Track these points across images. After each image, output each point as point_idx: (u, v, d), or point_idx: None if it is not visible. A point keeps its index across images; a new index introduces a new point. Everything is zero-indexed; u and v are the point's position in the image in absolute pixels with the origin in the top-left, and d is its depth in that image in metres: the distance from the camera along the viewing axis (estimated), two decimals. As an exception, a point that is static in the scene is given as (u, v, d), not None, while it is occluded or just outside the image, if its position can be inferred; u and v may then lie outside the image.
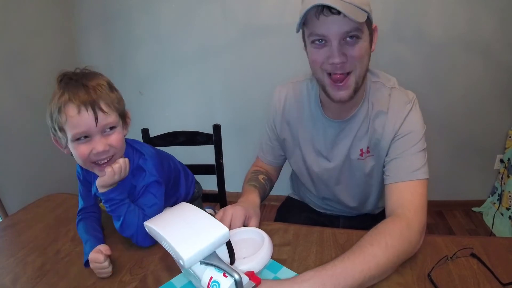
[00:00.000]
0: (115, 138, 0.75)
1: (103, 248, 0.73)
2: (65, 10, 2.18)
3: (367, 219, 1.06)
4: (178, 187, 1.02)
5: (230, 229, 0.70)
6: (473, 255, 0.71)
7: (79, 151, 0.72)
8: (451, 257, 0.70)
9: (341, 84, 0.77)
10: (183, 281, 0.69)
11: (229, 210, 0.78)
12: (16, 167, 1.90)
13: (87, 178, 0.87)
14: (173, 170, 1.00)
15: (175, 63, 2.17)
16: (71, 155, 0.77)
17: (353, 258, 0.62)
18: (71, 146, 0.73)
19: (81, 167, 0.85)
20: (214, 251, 0.55)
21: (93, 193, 0.86)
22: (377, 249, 0.63)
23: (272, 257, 0.70)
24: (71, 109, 0.69)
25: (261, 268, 0.66)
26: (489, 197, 2.13)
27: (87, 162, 0.74)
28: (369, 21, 0.74)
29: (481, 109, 1.96)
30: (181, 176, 1.04)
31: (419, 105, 0.84)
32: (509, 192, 1.91)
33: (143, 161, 0.83)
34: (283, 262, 0.73)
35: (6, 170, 1.84)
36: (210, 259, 0.54)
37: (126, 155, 0.81)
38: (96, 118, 0.70)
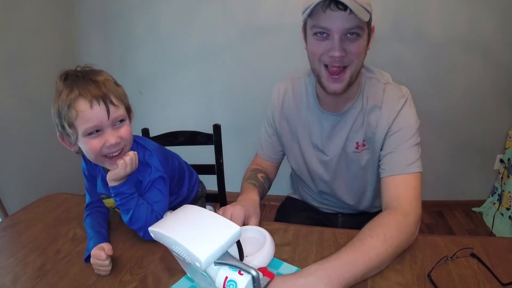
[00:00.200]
0: (125, 130, 0.76)
1: (106, 247, 0.74)
2: (65, 10, 2.18)
3: (366, 218, 1.07)
4: (181, 186, 1.03)
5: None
6: (473, 255, 0.71)
7: (91, 146, 0.73)
8: (451, 257, 0.70)
9: (336, 76, 0.80)
10: (186, 285, 0.68)
11: (229, 209, 0.79)
12: (16, 167, 1.91)
13: (92, 173, 0.88)
14: (178, 168, 1.00)
15: (175, 63, 2.17)
16: (78, 152, 0.78)
17: (354, 250, 0.65)
18: (82, 141, 0.73)
19: (86, 163, 0.87)
20: (227, 250, 0.54)
21: (98, 191, 0.87)
22: (376, 241, 0.66)
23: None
24: (83, 104, 0.70)
25: (265, 266, 0.65)
26: (489, 197, 2.13)
27: (99, 156, 0.75)
28: (369, 20, 0.77)
29: (481, 109, 1.96)
30: (185, 175, 1.05)
31: (419, 105, 0.86)
32: (509, 192, 1.91)
33: (148, 156, 0.84)
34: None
35: (6, 170, 1.84)
36: (224, 259, 0.53)
37: (131, 150, 0.81)
38: (108, 111, 0.71)
